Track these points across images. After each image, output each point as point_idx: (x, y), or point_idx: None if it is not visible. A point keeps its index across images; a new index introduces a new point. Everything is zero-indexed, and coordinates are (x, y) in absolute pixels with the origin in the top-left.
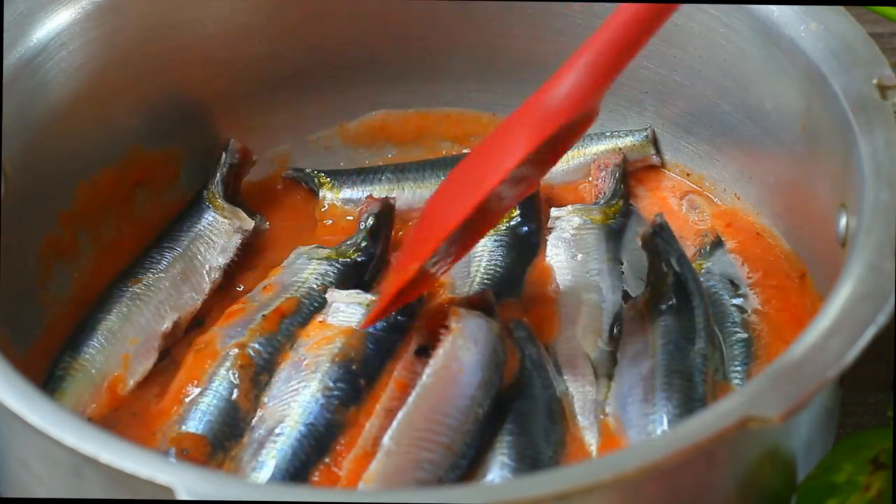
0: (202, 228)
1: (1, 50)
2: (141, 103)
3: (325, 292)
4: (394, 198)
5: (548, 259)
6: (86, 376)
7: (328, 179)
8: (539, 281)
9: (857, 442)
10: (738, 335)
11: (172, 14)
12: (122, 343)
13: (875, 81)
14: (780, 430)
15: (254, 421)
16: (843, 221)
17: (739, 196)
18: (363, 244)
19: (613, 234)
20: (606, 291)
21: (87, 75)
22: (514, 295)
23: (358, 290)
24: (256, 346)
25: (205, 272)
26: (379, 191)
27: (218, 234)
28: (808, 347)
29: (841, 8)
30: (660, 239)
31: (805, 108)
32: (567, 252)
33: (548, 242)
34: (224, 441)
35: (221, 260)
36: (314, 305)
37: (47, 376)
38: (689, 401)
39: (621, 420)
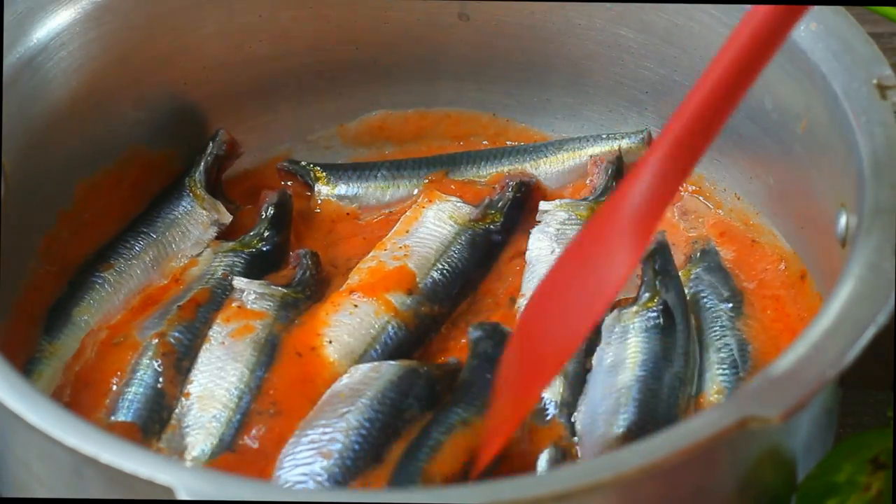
0: (179, 216)
1: (1, 50)
2: (141, 103)
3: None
4: (290, 191)
5: (528, 252)
6: (60, 361)
7: (324, 174)
8: (511, 275)
9: (857, 442)
10: (726, 339)
11: (172, 14)
12: (94, 330)
13: (875, 81)
14: (780, 430)
15: (182, 405)
16: (843, 221)
17: (739, 196)
18: (266, 234)
19: None
20: None
21: (87, 75)
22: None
23: (267, 282)
24: (177, 334)
25: (175, 262)
26: (374, 188)
27: (194, 224)
28: (808, 347)
29: (841, 8)
30: (658, 257)
31: (805, 108)
32: (548, 246)
33: (531, 235)
34: (153, 426)
35: (194, 252)
36: (226, 294)
37: (28, 358)
38: (655, 419)
39: (585, 424)
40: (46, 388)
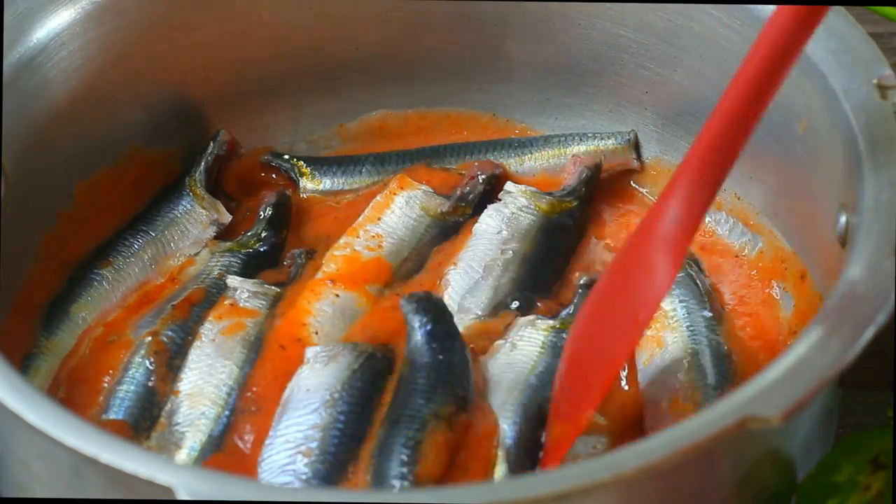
0: (178, 215)
1: (1, 50)
2: (141, 103)
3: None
4: (290, 190)
5: (477, 224)
6: (57, 357)
7: (308, 169)
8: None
9: (857, 442)
10: (707, 351)
11: (172, 14)
12: (90, 327)
13: (875, 81)
14: (780, 430)
15: (171, 402)
16: (843, 221)
17: (739, 196)
18: (263, 234)
19: (552, 228)
20: (504, 277)
21: (87, 75)
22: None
23: (261, 280)
24: (170, 332)
25: (173, 261)
26: (359, 182)
27: (193, 223)
28: (808, 347)
29: (841, 8)
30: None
31: (805, 108)
32: (497, 225)
33: (486, 209)
34: (144, 423)
35: (192, 251)
36: (220, 294)
37: (26, 354)
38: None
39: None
40: (43, 384)
